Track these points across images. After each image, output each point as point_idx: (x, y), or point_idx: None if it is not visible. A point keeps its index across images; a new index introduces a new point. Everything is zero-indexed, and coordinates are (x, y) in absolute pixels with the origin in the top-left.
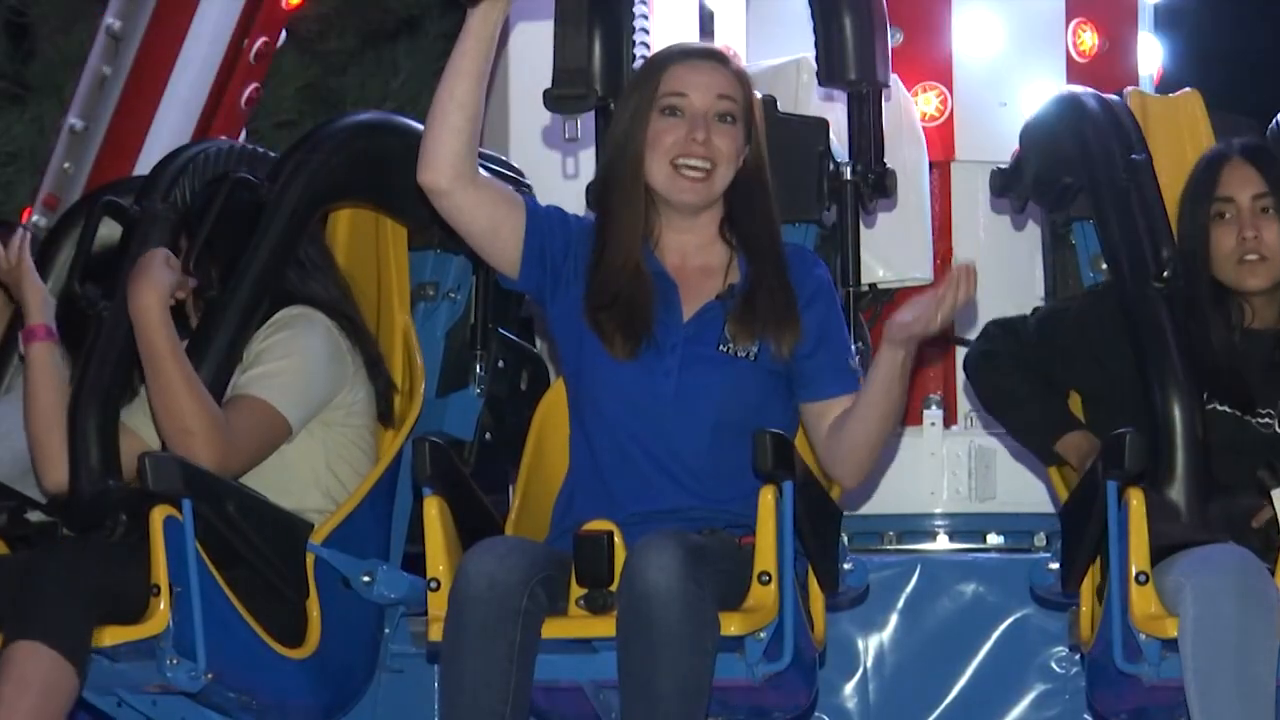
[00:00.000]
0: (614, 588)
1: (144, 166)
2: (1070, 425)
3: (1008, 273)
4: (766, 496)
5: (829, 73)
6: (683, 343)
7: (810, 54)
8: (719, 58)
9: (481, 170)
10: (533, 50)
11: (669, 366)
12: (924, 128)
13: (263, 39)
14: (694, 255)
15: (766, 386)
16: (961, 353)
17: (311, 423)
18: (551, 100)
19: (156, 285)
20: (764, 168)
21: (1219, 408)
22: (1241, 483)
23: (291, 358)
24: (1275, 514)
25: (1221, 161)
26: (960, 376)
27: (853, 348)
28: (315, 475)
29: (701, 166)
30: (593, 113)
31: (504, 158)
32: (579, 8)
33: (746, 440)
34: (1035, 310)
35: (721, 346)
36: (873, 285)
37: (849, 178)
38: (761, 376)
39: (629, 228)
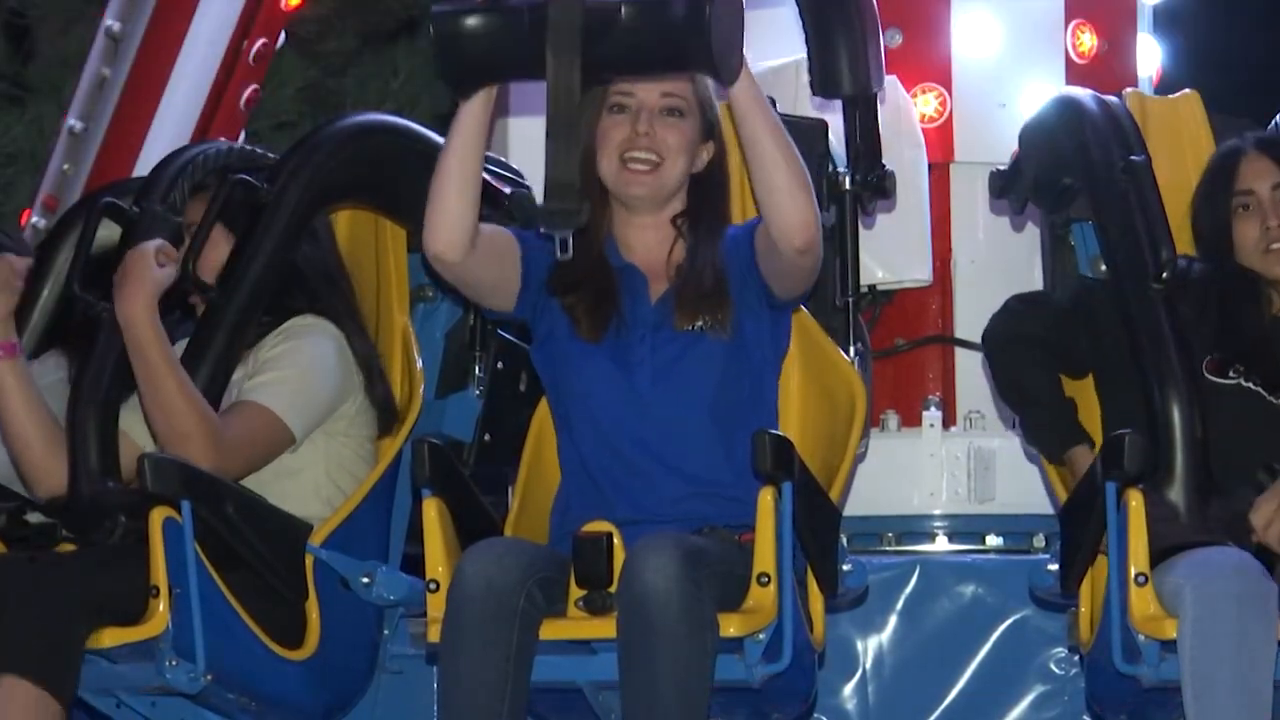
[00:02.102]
0: (613, 589)
1: (143, 168)
2: (1078, 439)
3: (1006, 274)
4: (766, 498)
5: (823, 87)
6: (651, 330)
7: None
8: None
9: None
10: None
11: (642, 355)
12: (923, 129)
13: (262, 40)
14: (655, 249)
15: (736, 356)
16: (961, 354)
17: (314, 432)
18: (544, 216)
19: (143, 290)
20: (725, 169)
21: (1244, 383)
22: (1253, 464)
23: (299, 368)
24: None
25: (1238, 155)
26: (959, 378)
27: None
28: (316, 484)
29: (647, 159)
30: None
31: (504, 159)
32: (570, 121)
33: (731, 416)
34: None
35: (682, 327)
36: (871, 287)
37: (848, 188)
38: (732, 349)
39: (589, 225)
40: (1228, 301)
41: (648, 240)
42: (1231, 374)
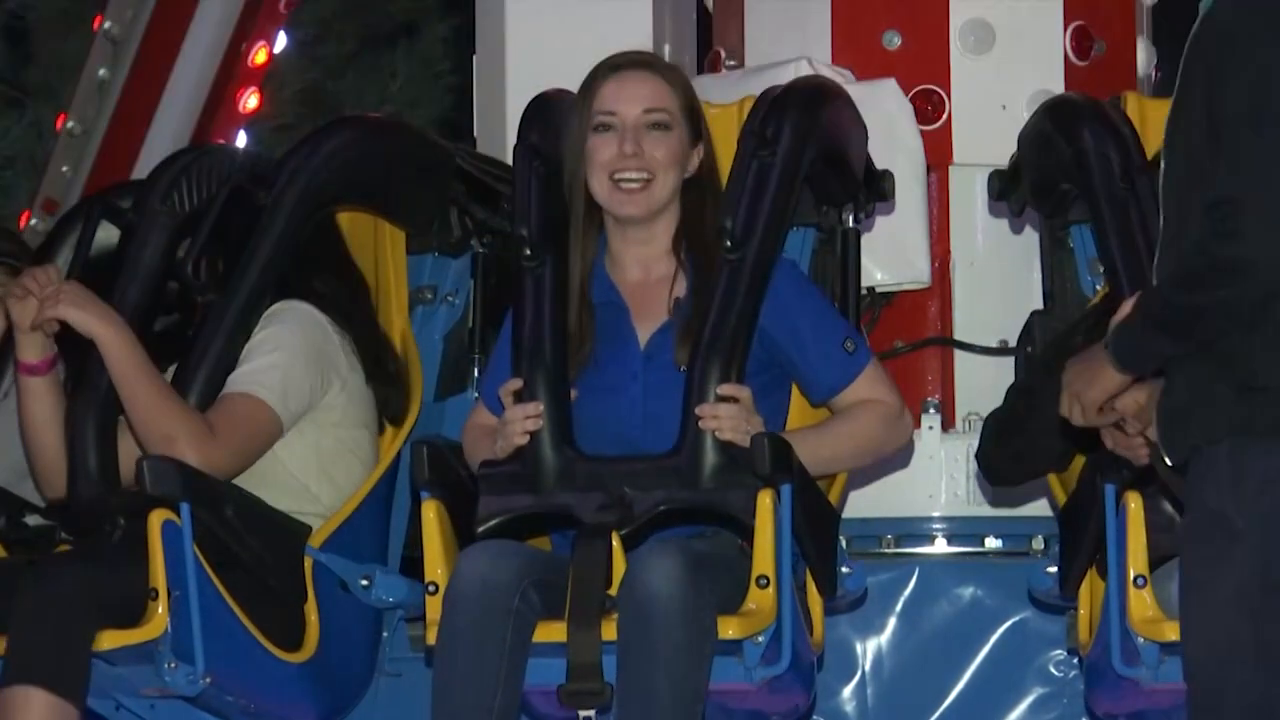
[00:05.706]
0: (613, 592)
1: (142, 170)
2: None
3: (1005, 276)
4: (764, 500)
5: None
6: (643, 370)
7: (809, 58)
8: (648, 65)
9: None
10: (530, 53)
11: (634, 396)
12: (921, 131)
13: (261, 43)
14: (655, 266)
15: None
16: (960, 357)
17: (305, 426)
18: (566, 695)
19: (104, 310)
20: (716, 170)
21: None
22: None
23: (277, 352)
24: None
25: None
26: (958, 380)
27: (844, 328)
28: (310, 483)
29: (638, 178)
30: None
31: (503, 160)
32: (591, 608)
33: None
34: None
35: (680, 366)
36: (870, 289)
37: (850, 225)
38: None
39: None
40: None
41: (644, 255)
42: None
